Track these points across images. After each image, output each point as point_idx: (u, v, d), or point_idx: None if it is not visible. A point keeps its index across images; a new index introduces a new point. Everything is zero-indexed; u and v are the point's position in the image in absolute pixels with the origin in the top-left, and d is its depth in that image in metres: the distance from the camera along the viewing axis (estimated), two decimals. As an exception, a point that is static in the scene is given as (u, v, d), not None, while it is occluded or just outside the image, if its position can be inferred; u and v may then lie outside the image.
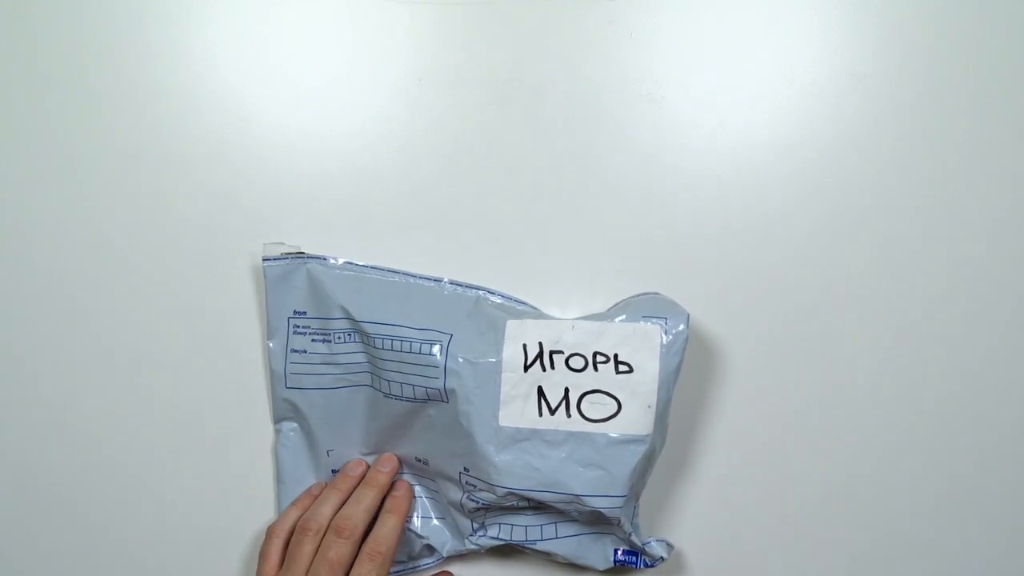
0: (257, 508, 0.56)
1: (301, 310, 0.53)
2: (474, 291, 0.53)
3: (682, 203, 0.55)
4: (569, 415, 0.48)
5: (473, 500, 0.51)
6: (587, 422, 0.48)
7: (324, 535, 0.49)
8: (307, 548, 0.49)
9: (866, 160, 0.54)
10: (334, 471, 0.55)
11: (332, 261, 0.53)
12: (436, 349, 0.49)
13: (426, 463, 0.53)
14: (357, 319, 0.51)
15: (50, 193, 0.55)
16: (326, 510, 0.51)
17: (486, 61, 0.54)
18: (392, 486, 0.54)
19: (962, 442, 0.55)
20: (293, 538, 0.50)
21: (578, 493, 0.48)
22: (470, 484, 0.50)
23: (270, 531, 0.51)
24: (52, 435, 0.56)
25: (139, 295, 0.55)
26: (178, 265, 0.55)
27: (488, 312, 0.51)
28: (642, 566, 0.52)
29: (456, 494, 0.52)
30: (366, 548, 0.49)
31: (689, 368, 0.54)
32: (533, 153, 0.55)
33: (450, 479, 0.52)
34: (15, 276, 0.55)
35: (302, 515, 0.51)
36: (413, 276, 0.53)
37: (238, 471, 0.56)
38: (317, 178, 0.55)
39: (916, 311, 0.55)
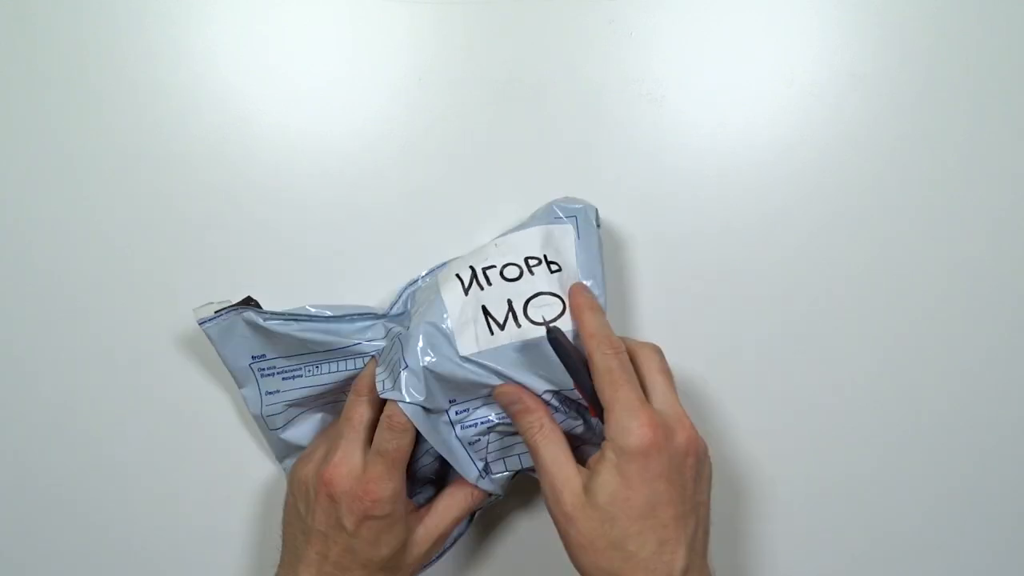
0: (258, 508, 0.56)
1: (259, 354, 0.51)
2: (405, 294, 0.53)
3: (682, 203, 0.55)
4: (519, 325, 0.47)
5: (471, 425, 0.49)
6: (537, 326, 0.47)
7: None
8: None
9: (866, 160, 0.54)
10: None
11: (261, 312, 0.50)
12: (379, 332, 0.49)
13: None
14: (314, 350, 0.50)
15: (50, 193, 0.55)
16: None
17: (486, 61, 0.54)
18: None
19: (962, 442, 0.55)
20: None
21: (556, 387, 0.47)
22: (461, 412, 0.49)
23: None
24: (52, 435, 0.56)
25: (139, 295, 0.55)
26: (178, 265, 0.55)
27: (420, 292, 0.51)
28: None
29: (452, 433, 0.49)
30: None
31: (688, 368, 0.54)
32: (533, 153, 0.55)
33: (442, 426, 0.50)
34: (15, 276, 0.55)
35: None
36: (341, 316, 0.51)
37: (238, 471, 0.56)
38: (317, 178, 0.55)
39: (916, 311, 0.55)
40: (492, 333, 0.47)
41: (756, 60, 0.54)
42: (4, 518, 0.56)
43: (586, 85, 0.54)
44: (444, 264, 0.53)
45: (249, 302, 0.50)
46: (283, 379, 0.51)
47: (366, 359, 0.50)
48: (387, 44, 0.55)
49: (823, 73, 0.54)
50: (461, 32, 0.54)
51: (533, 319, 0.47)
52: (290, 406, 0.52)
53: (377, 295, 0.55)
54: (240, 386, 0.52)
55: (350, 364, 0.50)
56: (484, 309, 0.48)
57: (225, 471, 0.56)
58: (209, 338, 0.50)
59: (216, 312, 0.50)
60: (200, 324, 0.49)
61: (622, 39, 0.54)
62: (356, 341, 0.50)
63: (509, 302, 0.48)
